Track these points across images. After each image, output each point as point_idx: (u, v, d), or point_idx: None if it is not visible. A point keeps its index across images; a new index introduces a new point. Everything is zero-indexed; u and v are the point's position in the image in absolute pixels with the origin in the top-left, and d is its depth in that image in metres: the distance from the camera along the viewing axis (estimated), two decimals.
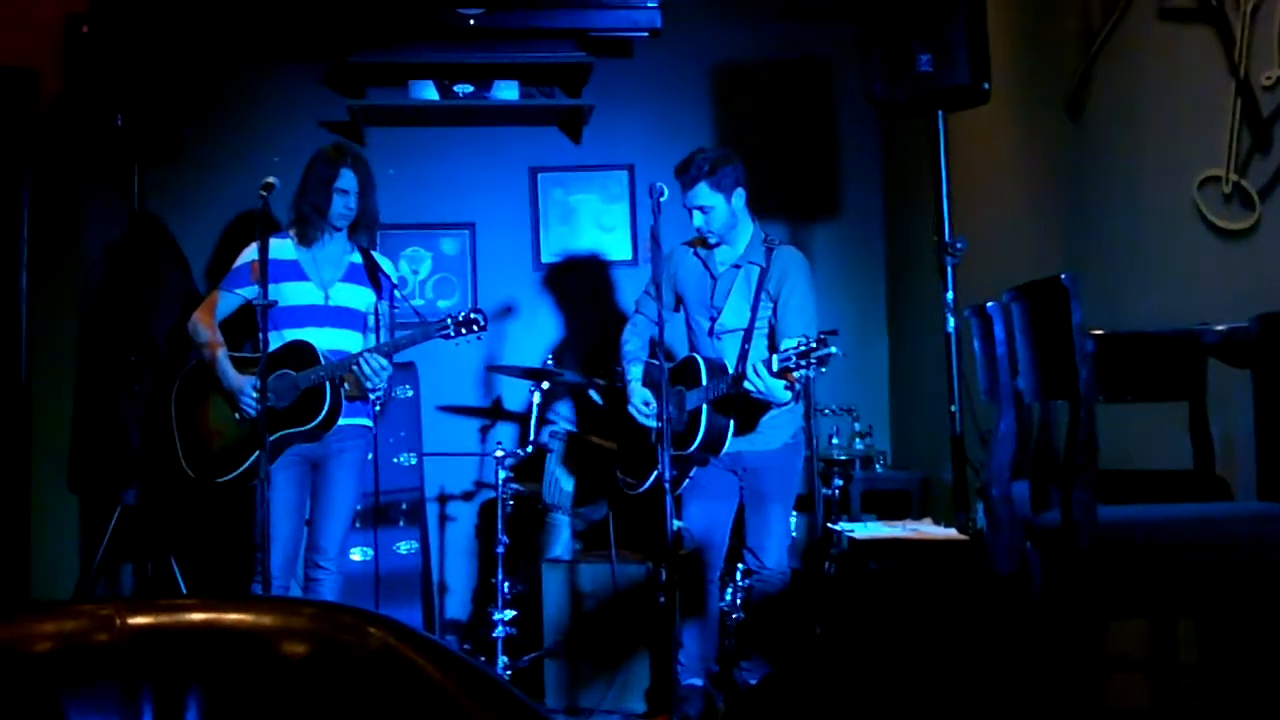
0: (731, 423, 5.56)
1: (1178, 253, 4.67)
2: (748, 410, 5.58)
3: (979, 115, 5.95)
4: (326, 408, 5.37)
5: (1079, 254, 5.41)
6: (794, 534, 6.11)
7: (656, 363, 5.65)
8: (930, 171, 5.84)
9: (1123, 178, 5.10)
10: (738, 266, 5.76)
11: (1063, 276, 2.94)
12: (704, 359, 5.66)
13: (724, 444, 5.59)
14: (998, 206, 6.33)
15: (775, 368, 5.13)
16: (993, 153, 6.40)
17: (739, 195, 5.70)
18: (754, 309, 5.66)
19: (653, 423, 5.66)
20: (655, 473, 5.50)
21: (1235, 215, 4.29)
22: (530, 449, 6.44)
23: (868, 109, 6.45)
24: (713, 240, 5.76)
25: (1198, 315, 3.93)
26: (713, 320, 5.80)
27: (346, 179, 5.57)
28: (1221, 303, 4.24)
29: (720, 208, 5.65)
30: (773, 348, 5.56)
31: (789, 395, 5.39)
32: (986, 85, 5.55)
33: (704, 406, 5.53)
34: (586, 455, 6.54)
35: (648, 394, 5.74)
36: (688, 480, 5.78)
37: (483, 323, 5.49)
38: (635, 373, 5.90)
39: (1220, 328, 3.28)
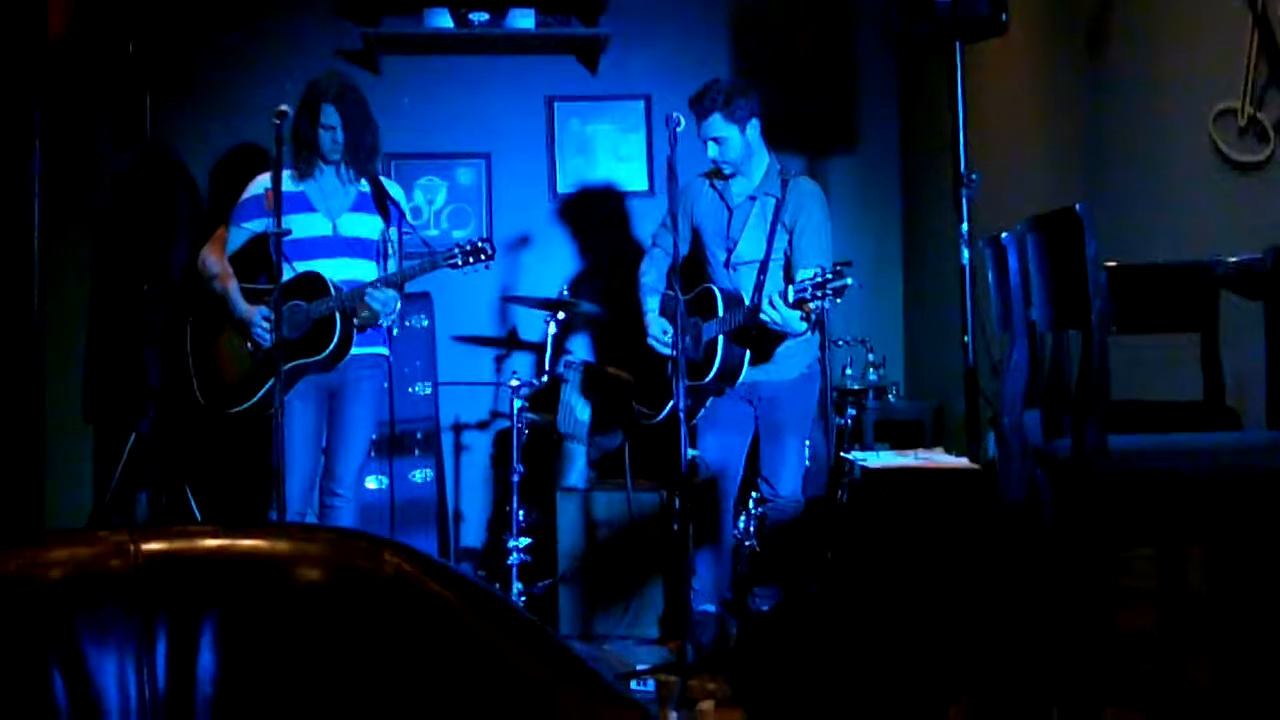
0: (747, 353, 5.58)
1: (1192, 185, 4.66)
2: (763, 340, 5.60)
3: (996, 48, 5.93)
4: (337, 338, 5.38)
5: (1094, 186, 5.40)
6: (807, 463, 6.12)
7: (673, 294, 5.66)
8: (947, 104, 5.82)
9: (1138, 110, 5.08)
10: (753, 198, 5.76)
11: (1076, 207, 2.94)
12: (720, 290, 5.67)
13: (740, 374, 5.61)
14: (1014, 139, 6.31)
15: (791, 299, 5.15)
16: (1010, 85, 6.37)
17: (754, 126, 5.69)
18: (770, 240, 5.67)
19: (671, 351, 5.68)
20: (671, 403, 5.53)
21: (1250, 148, 4.27)
22: (545, 379, 6.46)
23: (886, 40, 6.41)
24: (728, 171, 5.76)
25: (1211, 247, 3.93)
26: (729, 252, 5.80)
27: (328, 114, 5.54)
28: (1235, 235, 4.24)
29: (734, 139, 5.64)
30: (789, 279, 5.56)
31: (805, 326, 5.41)
32: (1005, 16, 5.53)
33: (720, 337, 5.55)
34: (602, 385, 6.56)
35: (666, 323, 5.76)
36: (703, 410, 5.80)
37: (490, 252, 5.48)
38: (652, 304, 5.92)
39: (1233, 259, 3.28)
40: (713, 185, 5.90)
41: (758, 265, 5.69)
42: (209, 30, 7.01)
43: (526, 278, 7.60)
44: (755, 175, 5.78)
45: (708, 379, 5.58)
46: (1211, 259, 3.41)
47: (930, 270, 7.35)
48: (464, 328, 7.50)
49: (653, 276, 6.02)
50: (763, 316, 5.29)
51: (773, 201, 5.69)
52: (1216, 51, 4.46)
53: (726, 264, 5.82)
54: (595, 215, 7.70)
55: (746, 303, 5.53)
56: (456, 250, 5.46)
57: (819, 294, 5.05)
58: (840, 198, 7.56)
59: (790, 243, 5.68)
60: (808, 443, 6.11)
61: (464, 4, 7.30)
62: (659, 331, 5.79)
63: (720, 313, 5.58)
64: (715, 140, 5.66)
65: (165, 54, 6.41)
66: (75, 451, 6.79)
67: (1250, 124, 4.26)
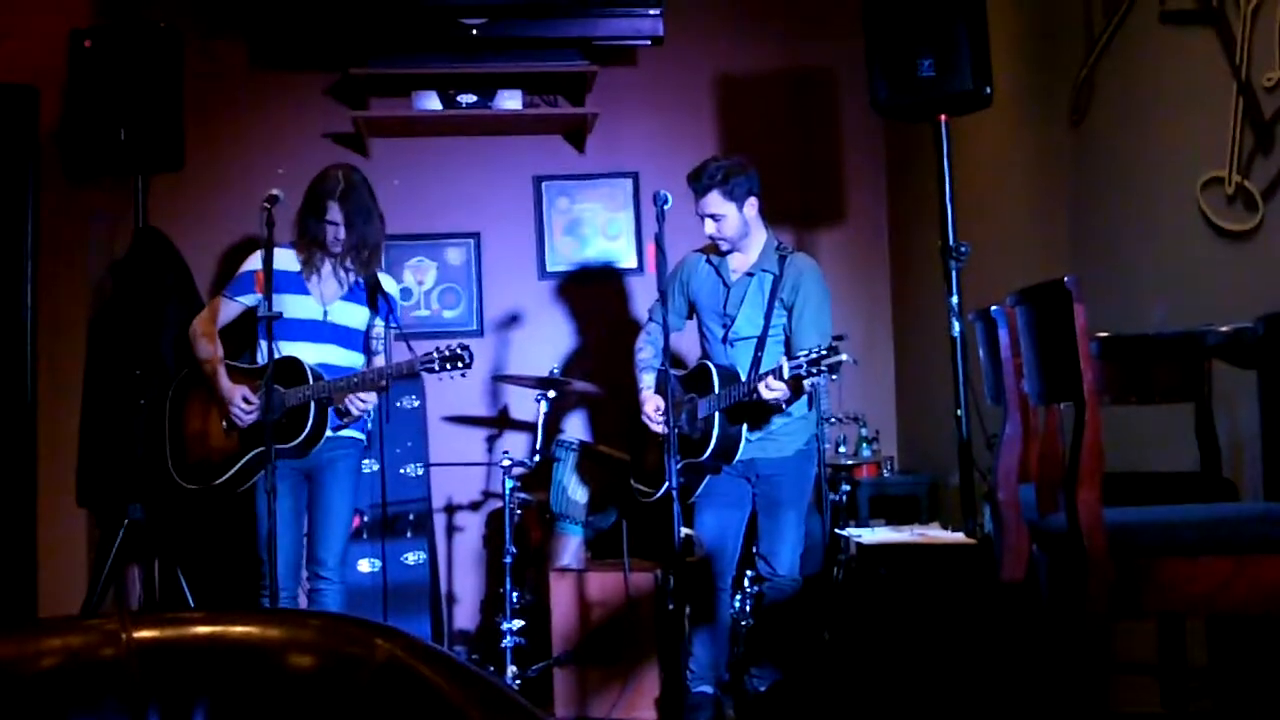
0: (744, 430, 5.58)
1: (1182, 254, 4.67)
2: (759, 413, 5.59)
3: (982, 120, 5.96)
4: (308, 428, 5.40)
5: (1083, 256, 5.41)
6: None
7: (670, 371, 5.68)
8: (934, 177, 5.84)
9: (1126, 180, 5.10)
10: (750, 275, 5.77)
11: (1065, 279, 2.94)
12: (717, 367, 5.68)
13: (737, 452, 5.60)
14: (1002, 210, 6.33)
15: (786, 375, 5.15)
16: (996, 157, 6.40)
17: (751, 204, 5.70)
18: (767, 317, 5.67)
19: (664, 430, 5.68)
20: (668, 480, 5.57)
21: (1238, 216, 4.29)
22: (538, 459, 6.44)
23: (871, 115, 6.44)
24: (725, 248, 5.77)
25: (1202, 316, 3.93)
26: (726, 328, 5.81)
27: (333, 212, 5.54)
28: (1226, 304, 4.24)
29: (732, 216, 5.65)
30: (788, 355, 5.56)
31: (802, 402, 5.43)
32: (989, 89, 5.57)
33: (716, 415, 5.54)
34: (596, 464, 6.54)
35: (660, 401, 5.75)
36: (701, 488, 5.78)
37: (468, 359, 5.45)
38: (648, 380, 5.91)
39: (1224, 329, 3.28)
40: (709, 261, 5.90)
41: (755, 341, 5.68)
42: (201, 115, 7.02)
43: (517, 356, 7.60)
44: (752, 252, 5.79)
45: (704, 456, 5.57)
46: (1202, 328, 3.41)
47: (922, 343, 7.35)
48: (455, 408, 7.49)
49: (649, 353, 6.01)
50: (759, 394, 5.29)
51: (770, 278, 5.70)
52: (1202, 120, 4.49)
53: (724, 340, 5.82)
54: (585, 293, 7.72)
55: (743, 379, 5.53)
56: (435, 356, 5.43)
57: (813, 370, 5.05)
58: (829, 272, 7.50)
59: (789, 319, 5.68)
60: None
61: (452, 86, 7.34)
62: (653, 410, 5.78)
63: (716, 389, 5.58)
64: (712, 217, 5.66)
65: (157, 139, 6.42)
66: (68, 536, 6.76)
67: (1238, 192, 4.28)
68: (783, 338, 5.71)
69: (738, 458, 5.64)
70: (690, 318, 6.06)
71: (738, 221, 5.67)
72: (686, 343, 6.50)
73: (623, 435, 6.37)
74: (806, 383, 5.19)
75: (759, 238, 5.80)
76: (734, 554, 5.88)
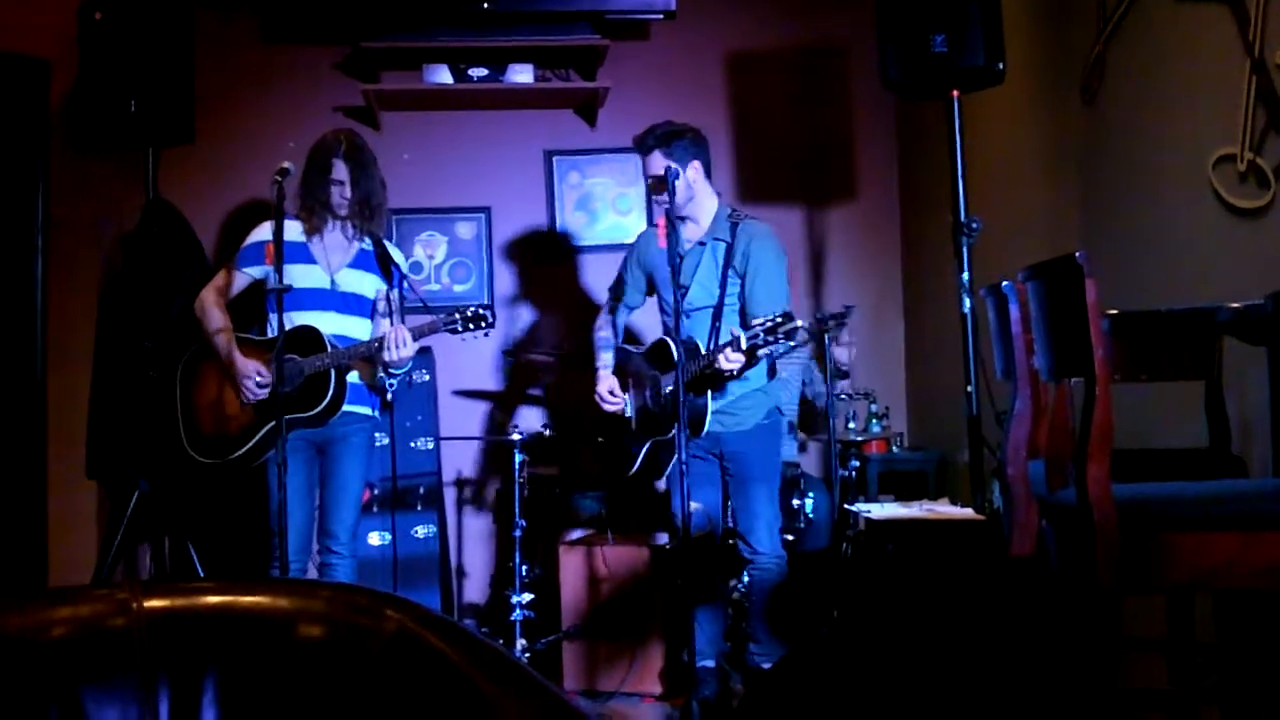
0: (708, 400, 5.56)
1: (1193, 231, 4.66)
2: (717, 382, 5.56)
3: (994, 96, 5.94)
4: (330, 395, 5.40)
5: (1094, 233, 5.41)
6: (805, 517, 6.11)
7: (632, 348, 5.69)
8: (946, 154, 5.84)
9: (1137, 157, 5.09)
10: (703, 244, 5.73)
11: (1077, 255, 2.93)
12: (674, 341, 5.68)
13: (704, 423, 5.57)
14: (1013, 187, 6.32)
15: (744, 345, 5.14)
16: (1008, 133, 6.39)
17: (696, 168, 5.66)
18: (722, 286, 5.65)
19: (616, 410, 5.76)
20: (639, 457, 5.64)
21: (1250, 194, 4.28)
22: (547, 432, 6.45)
23: (883, 91, 6.42)
24: (664, 208, 5.73)
25: (1213, 294, 3.92)
26: (680, 299, 5.78)
27: (339, 170, 5.57)
28: (1237, 280, 4.24)
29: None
30: (745, 324, 5.54)
31: (761, 371, 5.46)
32: (1001, 65, 5.56)
33: (680, 389, 5.54)
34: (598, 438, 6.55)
35: (614, 382, 5.78)
36: (671, 465, 5.78)
37: (490, 319, 5.49)
38: (606, 360, 5.91)
39: (1235, 305, 3.27)
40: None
41: (711, 311, 5.67)
42: (212, 88, 7.03)
43: (527, 331, 7.60)
44: (704, 220, 5.76)
45: (673, 433, 5.56)
46: (1213, 305, 3.40)
47: (932, 319, 7.35)
48: (465, 382, 7.50)
49: (609, 331, 6.00)
50: (718, 365, 5.28)
51: (723, 246, 5.66)
52: (1214, 97, 4.47)
53: (680, 311, 5.81)
54: (595, 268, 7.71)
55: (703, 351, 5.52)
56: (457, 316, 5.46)
57: (769, 339, 5.06)
58: (840, 247, 7.59)
59: (742, 287, 5.66)
60: (809, 497, 6.10)
61: (463, 60, 7.33)
62: (605, 390, 5.79)
63: (678, 364, 5.59)
64: (654, 177, 5.66)
65: (168, 112, 6.42)
66: (79, 509, 6.78)
67: (1249, 169, 4.27)
68: (739, 306, 5.68)
69: (706, 431, 5.62)
70: (651, 294, 6.03)
71: (680, 184, 5.63)
72: (648, 319, 6.49)
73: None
74: (761, 352, 5.19)
75: (709, 205, 5.76)
76: (716, 532, 5.90)
